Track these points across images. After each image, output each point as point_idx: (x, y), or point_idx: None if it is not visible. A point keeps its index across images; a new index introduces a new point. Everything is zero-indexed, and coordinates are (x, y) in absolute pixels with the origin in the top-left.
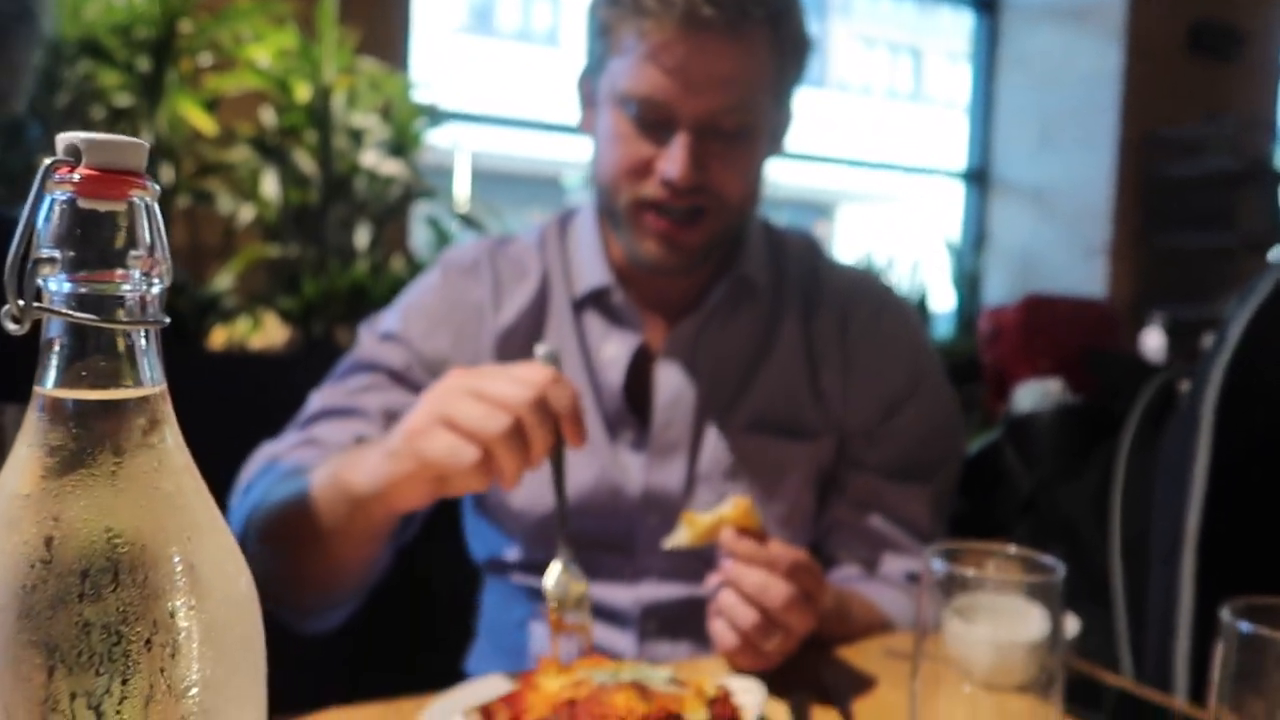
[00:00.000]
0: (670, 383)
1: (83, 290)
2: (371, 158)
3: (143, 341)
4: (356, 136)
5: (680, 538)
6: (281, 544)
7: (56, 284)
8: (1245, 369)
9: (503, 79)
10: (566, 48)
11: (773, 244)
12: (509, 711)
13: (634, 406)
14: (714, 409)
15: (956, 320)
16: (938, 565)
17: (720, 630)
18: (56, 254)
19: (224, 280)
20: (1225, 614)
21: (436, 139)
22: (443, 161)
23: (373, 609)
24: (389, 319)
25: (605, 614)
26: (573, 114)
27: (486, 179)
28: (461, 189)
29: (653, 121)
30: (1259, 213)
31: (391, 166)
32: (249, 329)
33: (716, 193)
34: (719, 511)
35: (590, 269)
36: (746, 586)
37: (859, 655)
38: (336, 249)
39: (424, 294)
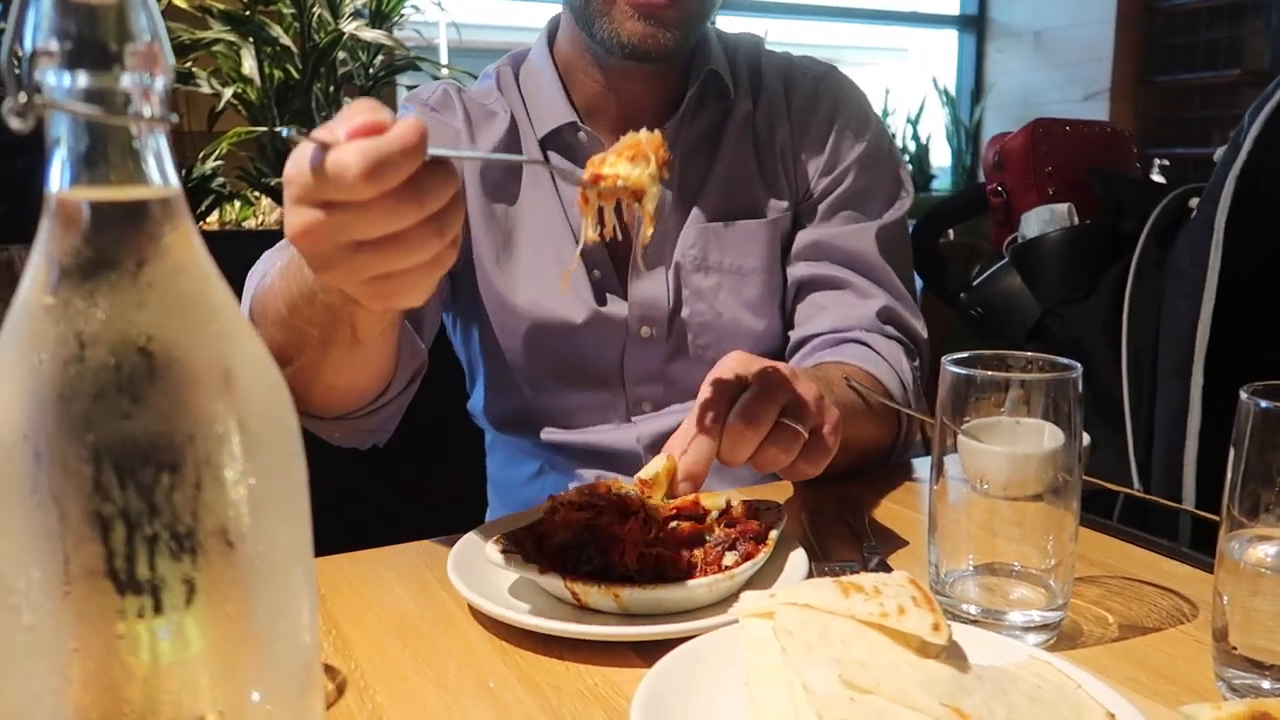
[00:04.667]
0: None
1: (83, 84)
2: (352, 26)
3: (152, 140)
4: (334, 7)
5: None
6: (280, 324)
7: (56, 78)
8: (1258, 175)
9: None
10: None
11: (723, 41)
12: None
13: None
14: (684, 209)
15: (953, 171)
16: (954, 369)
17: (761, 459)
18: (54, 45)
19: (211, 163)
20: (1244, 394)
21: (418, 9)
22: (426, 35)
23: (390, 473)
24: None
25: (610, 459)
26: None
27: (470, 51)
28: (443, 59)
29: None
30: (1264, 45)
31: (373, 34)
32: (242, 210)
33: None
34: (653, 470)
35: (551, 107)
36: (743, 414)
37: (872, 480)
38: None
39: None
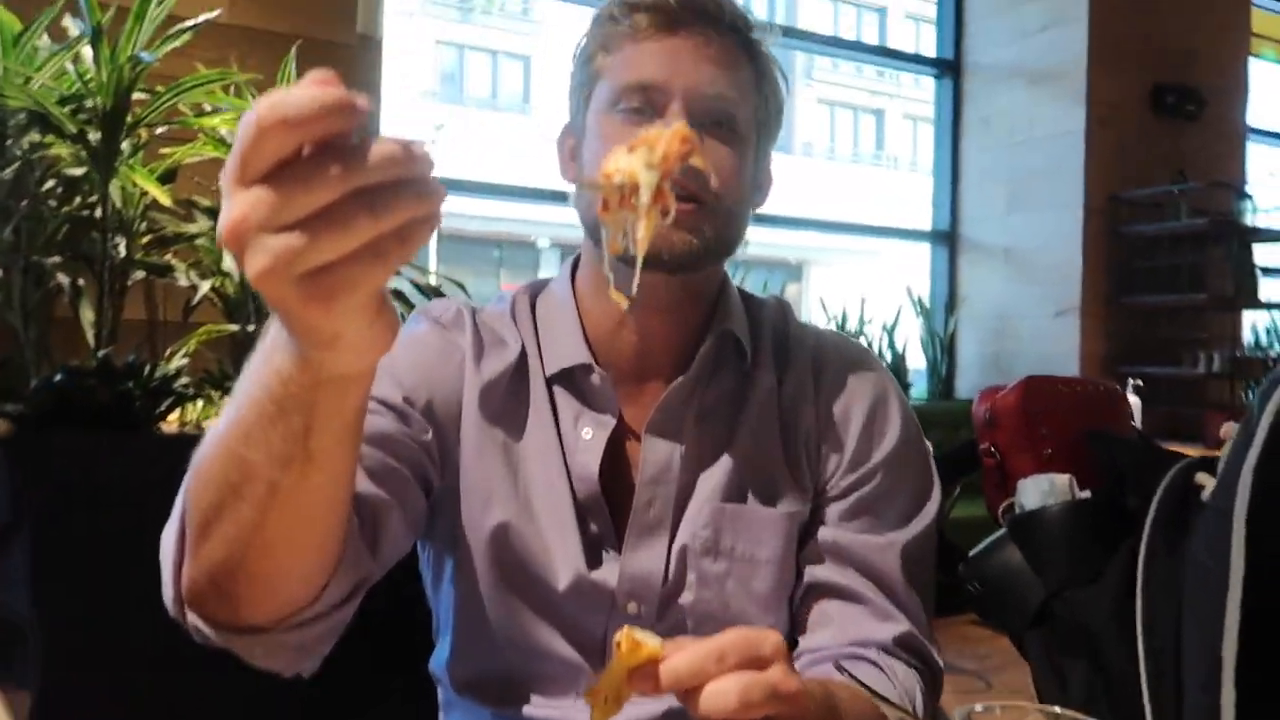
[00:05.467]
0: (656, 458)
1: None
2: None
3: None
4: None
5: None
6: (218, 465)
7: None
8: (1277, 469)
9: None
10: (536, 115)
11: (746, 300)
12: None
13: (605, 489)
14: (694, 481)
15: (929, 378)
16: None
17: None
18: None
19: (177, 360)
20: None
21: None
22: None
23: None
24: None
25: None
26: (544, 177)
27: (460, 243)
28: (430, 259)
29: (646, 108)
30: (1227, 272)
31: None
32: (204, 410)
33: (708, 183)
34: (611, 666)
35: (565, 344)
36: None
37: None
38: None
39: (414, 342)
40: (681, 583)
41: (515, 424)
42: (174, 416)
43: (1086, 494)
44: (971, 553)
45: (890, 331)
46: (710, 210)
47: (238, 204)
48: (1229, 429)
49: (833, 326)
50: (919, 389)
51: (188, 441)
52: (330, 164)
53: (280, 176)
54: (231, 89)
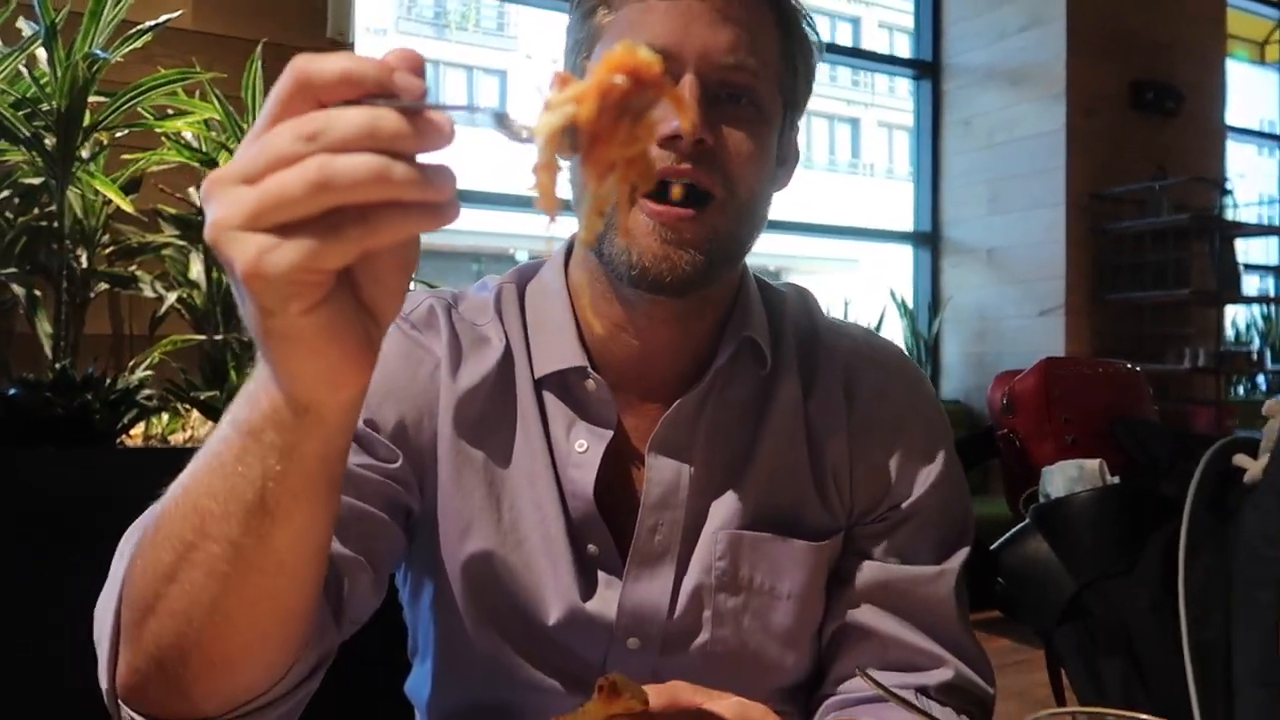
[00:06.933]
0: (662, 478)
1: None
2: None
3: None
4: None
5: None
6: (178, 524)
7: None
8: None
9: (449, 160)
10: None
11: (766, 295)
12: None
13: (604, 507)
14: (707, 505)
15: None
16: None
17: None
18: None
19: (141, 372)
20: None
21: None
22: None
23: None
24: None
25: None
26: (522, 186)
27: (438, 257)
28: None
29: None
30: (1209, 267)
31: None
32: (169, 424)
33: (726, 170)
34: (588, 708)
35: (557, 344)
36: None
37: None
38: None
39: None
40: (690, 619)
41: (499, 436)
42: (138, 430)
43: (1116, 480)
44: (994, 546)
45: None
46: (720, 208)
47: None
48: (1274, 406)
49: None
50: None
51: (151, 455)
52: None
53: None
54: (196, 92)
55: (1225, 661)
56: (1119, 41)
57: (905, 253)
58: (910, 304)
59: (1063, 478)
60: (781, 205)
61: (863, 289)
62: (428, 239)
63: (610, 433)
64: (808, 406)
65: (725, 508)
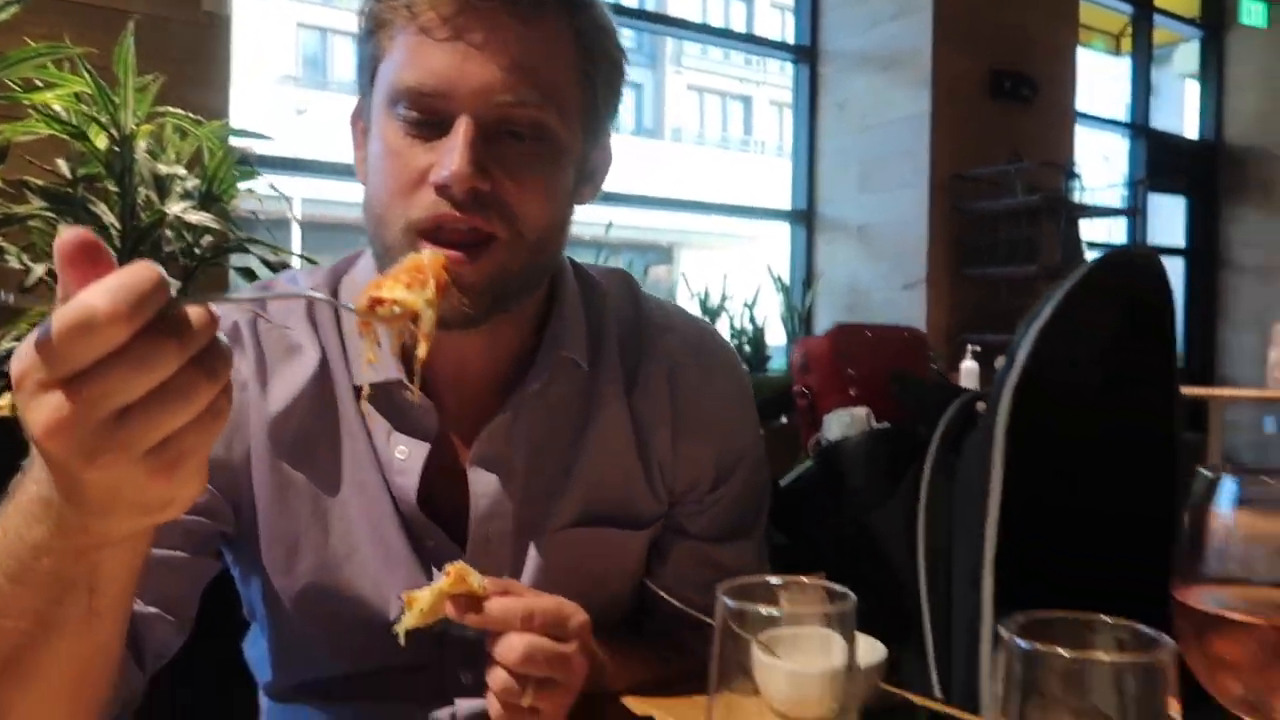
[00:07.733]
0: (486, 492)
1: None
2: (178, 208)
3: None
4: (162, 187)
5: (407, 620)
6: None
7: None
8: (1032, 389)
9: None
10: None
11: (586, 293)
12: None
13: (436, 511)
14: (536, 508)
15: (787, 352)
16: (728, 602)
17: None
18: None
19: (7, 343)
20: (1002, 630)
21: (267, 188)
22: (278, 211)
23: None
24: None
25: None
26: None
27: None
28: (293, 244)
29: (428, 120)
30: (1057, 245)
31: (199, 216)
32: None
33: (509, 211)
34: (436, 585)
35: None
36: (493, 651)
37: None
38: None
39: None
40: None
41: (323, 450)
42: (5, 400)
43: (886, 425)
44: (781, 481)
45: (750, 307)
46: (504, 246)
47: (67, 406)
48: (1000, 361)
49: (695, 303)
50: (778, 361)
51: (14, 425)
52: (166, 339)
53: (111, 364)
54: (66, 65)
55: (948, 571)
56: (981, 32)
57: (785, 231)
58: (787, 279)
59: (838, 424)
60: (668, 182)
61: (749, 265)
62: (318, 215)
63: (427, 445)
64: (631, 400)
65: (555, 509)
